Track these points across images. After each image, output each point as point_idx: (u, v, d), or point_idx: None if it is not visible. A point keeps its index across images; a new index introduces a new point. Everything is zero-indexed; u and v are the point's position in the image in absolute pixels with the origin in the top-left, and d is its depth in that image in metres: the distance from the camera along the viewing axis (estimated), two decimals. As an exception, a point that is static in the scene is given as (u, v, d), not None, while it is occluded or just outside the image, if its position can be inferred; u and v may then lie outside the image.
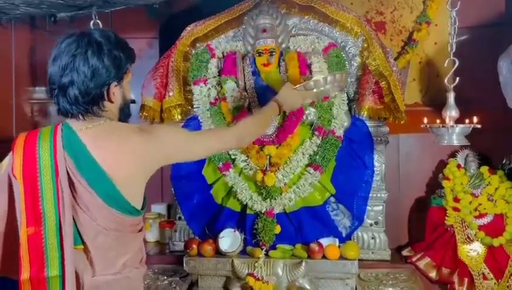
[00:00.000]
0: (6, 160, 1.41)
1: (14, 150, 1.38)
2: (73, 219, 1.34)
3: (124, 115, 1.51)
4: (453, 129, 2.22)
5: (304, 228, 2.32)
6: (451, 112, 2.26)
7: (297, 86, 1.93)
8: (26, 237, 1.31)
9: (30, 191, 1.33)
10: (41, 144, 1.37)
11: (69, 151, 1.36)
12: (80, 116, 1.39)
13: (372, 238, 2.45)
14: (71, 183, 1.34)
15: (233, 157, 2.38)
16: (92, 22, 2.31)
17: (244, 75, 2.46)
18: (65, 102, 1.38)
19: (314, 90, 1.93)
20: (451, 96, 2.27)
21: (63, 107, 1.40)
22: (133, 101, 3.21)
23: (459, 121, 2.28)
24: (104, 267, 1.38)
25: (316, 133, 2.35)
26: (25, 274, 1.30)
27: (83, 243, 1.36)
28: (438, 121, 2.33)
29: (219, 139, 1.65)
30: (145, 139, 1.41)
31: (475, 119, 2.26)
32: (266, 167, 2.30)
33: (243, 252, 2.28)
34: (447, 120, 2.25)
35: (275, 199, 2.29)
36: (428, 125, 2.31)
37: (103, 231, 1.35)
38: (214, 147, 1.65)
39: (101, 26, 2.32)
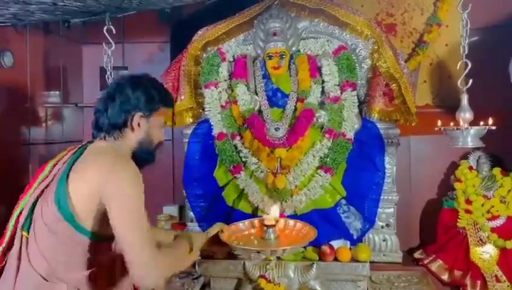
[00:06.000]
0: None
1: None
2: (34, 208, 1.44)
3: (142, 152, 1.50)
4: (468, 131, 2.19)
5: (314, 230, 2.32)
6: (465, 114, 2.23)
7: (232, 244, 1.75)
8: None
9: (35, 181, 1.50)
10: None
11: (73, 158, 1.47)
12: (103, 137, 1.50)
13: (384, 240, 2.45)
14: (50, 181, 1.45)
15: (244, 160, 2.40)
16: (105, 28, 2.35)
17: (255, 78, 2.48)
18: (96, 126, 1.51)
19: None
20: (464, 99, 2.24)
21: (93, 130, 1.53)
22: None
23: (471, 122, 2.26)
24: (36, 261, 1.40)
25: (327, 135, 2.36)
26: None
27: (29, 231, 1.44)
28: (451, 123, 2.31)
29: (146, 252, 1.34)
30: (107, 175, 1.36)
31: (490, 120, 2.24)
32: (277, 170, 2.31)
33: (255, 254, 2.29)
34: (461, 122, 2.23)
35: (285, 201, 2.30)
36: (442, 128, 2.29)
37: (44, 228, 1.40)
38: (130, 251, 1.33)
39: (114, 31, 2.35)
